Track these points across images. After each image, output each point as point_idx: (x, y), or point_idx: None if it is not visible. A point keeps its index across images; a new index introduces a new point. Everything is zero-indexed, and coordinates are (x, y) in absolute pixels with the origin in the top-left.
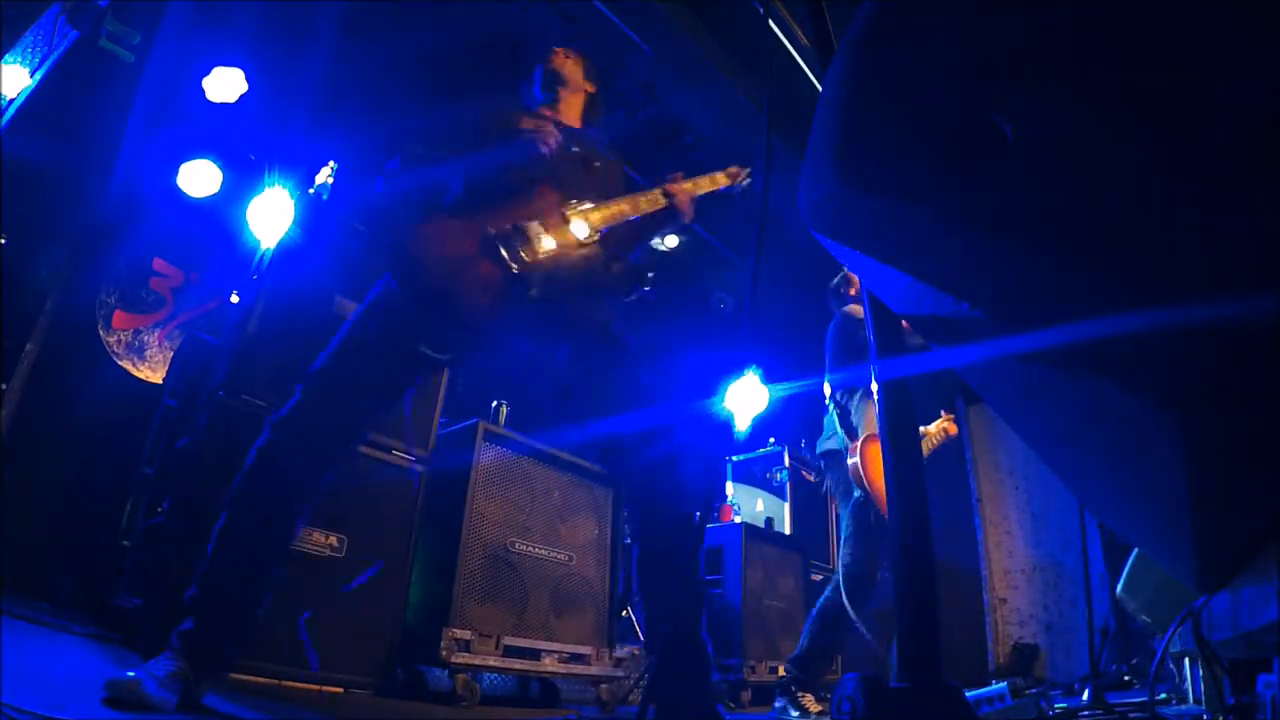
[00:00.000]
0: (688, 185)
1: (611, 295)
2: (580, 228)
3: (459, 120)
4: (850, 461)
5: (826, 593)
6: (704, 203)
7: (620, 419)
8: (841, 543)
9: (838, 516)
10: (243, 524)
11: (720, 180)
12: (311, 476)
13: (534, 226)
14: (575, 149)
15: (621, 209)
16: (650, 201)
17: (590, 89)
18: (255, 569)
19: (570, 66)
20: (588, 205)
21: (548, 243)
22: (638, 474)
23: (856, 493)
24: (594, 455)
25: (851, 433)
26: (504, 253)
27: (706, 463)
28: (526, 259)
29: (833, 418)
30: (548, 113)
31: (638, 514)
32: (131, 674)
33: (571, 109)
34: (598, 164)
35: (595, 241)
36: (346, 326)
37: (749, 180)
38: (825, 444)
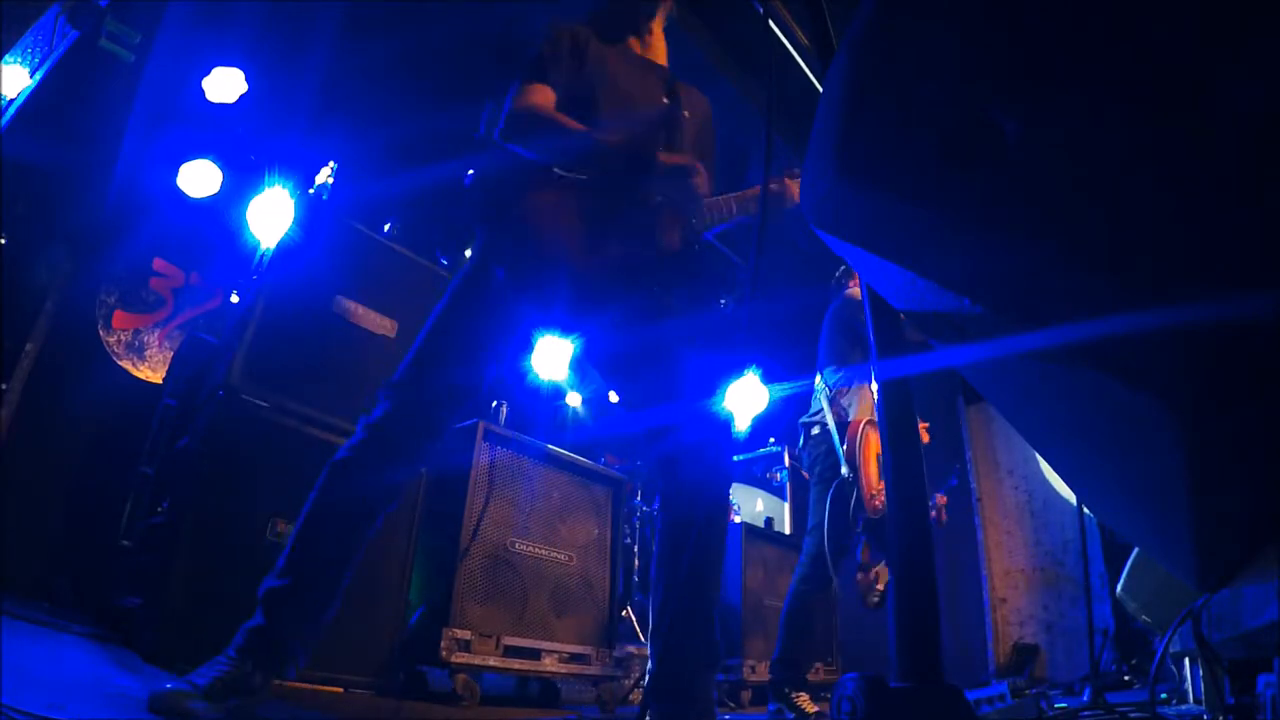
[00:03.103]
0: (793, 184)
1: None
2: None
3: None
4: (843, 448)
5: (792, 586)
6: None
7: (681, 390)
8: (810, 529)
9: (808, 497)
10: (328, 528)
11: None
12: (394, 480)
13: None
14: (687, 113)
15: (725, 196)
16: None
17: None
18: (335, 573)
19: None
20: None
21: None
22: (688, 451)
23: (845, 472)
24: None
25: (842, 414)
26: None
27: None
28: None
29: (820, 397)
30: (636, 45)
31: (679, 496)
32: (169, 685)
33: (658, 49)
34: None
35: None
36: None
37: None
38: (810, 418)
